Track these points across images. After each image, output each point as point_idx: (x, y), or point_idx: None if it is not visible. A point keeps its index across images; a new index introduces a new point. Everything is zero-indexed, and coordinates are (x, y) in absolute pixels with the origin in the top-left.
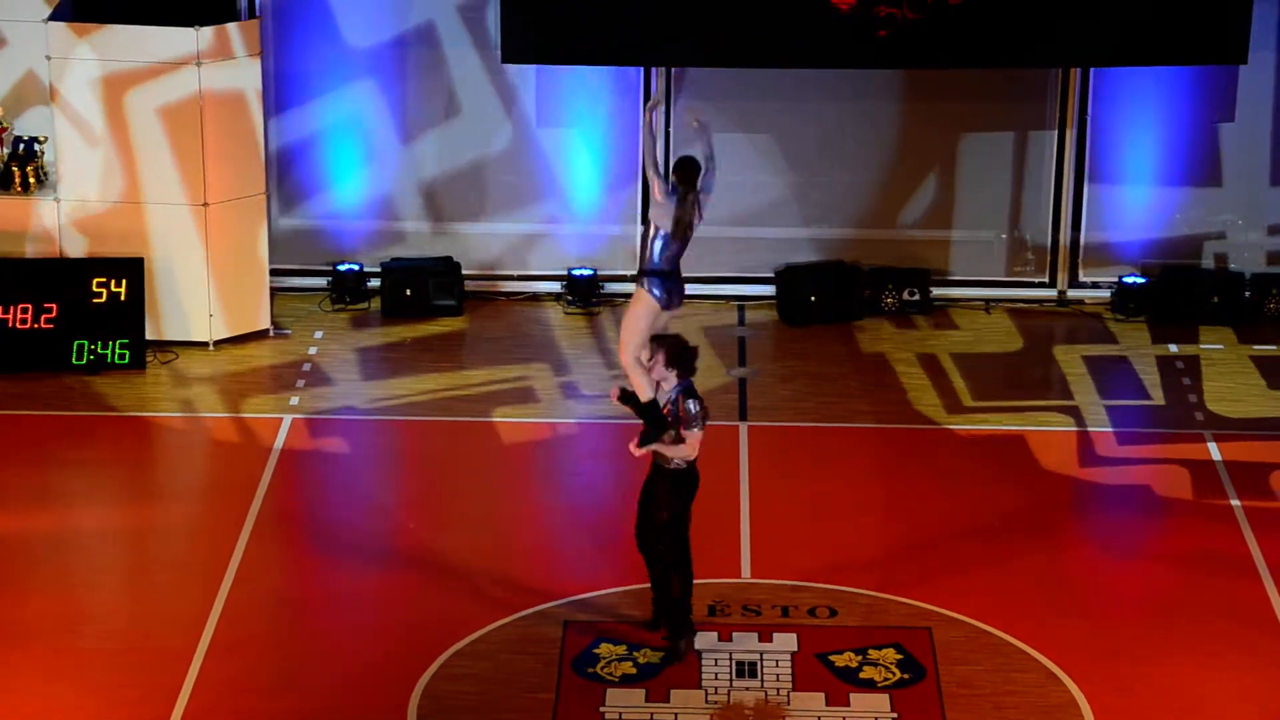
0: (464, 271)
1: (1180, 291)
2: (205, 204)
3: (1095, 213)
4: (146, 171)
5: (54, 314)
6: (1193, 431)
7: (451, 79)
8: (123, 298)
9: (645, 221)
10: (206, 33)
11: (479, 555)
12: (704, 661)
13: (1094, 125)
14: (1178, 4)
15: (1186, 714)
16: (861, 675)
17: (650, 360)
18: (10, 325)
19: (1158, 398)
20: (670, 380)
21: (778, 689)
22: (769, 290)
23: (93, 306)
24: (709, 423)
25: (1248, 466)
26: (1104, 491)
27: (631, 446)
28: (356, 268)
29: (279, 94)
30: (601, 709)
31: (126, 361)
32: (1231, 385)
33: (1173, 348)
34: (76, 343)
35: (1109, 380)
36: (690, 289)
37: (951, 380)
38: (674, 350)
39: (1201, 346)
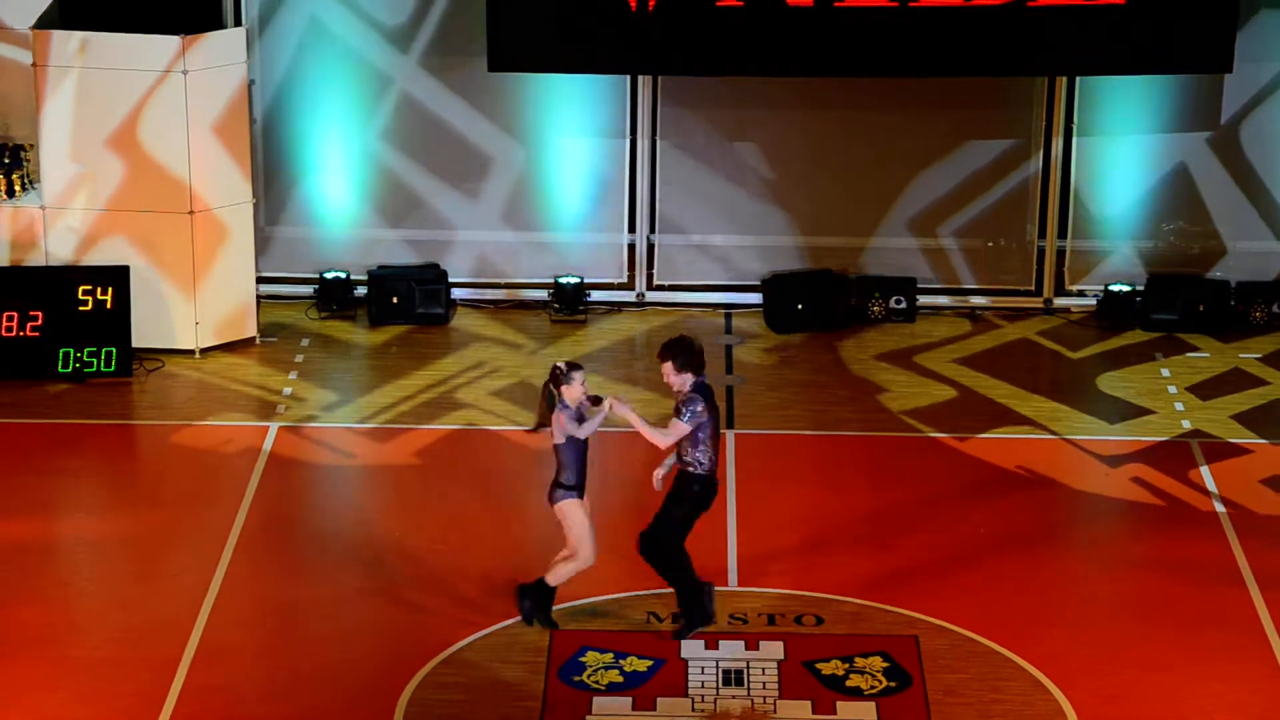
0: (451, 279)
1: (1166, 300)
2: (191, 212)
3: (1081, 221)
4: (133, 179)
5: (40, 322)
6: (1178, 439)
7: (438, 85)
8: (109, 305)
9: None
10: (193, 41)
11: (465, 563)
12: (690, 670)
13: (1080, 134)
14: (1163, 13)
15: None
16: (848, 683)
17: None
18: None
19: (1145, 405)
20: (686, 383)
21: (764, 697)
22: (756, 299)
23: (79, 315)
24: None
25: (1233, 473)
26: (1090, 499)
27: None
28: (343, 276)
29: (265, 102)
30: (588, 718)
31: (112, 369)
32: (1214, 393)
33: (1158, 355)
34: (63, 351)
35: (1095, 387)
36: (678, 297)
37: (937, 388)
38: (678, 354)
39: (1187, 355)
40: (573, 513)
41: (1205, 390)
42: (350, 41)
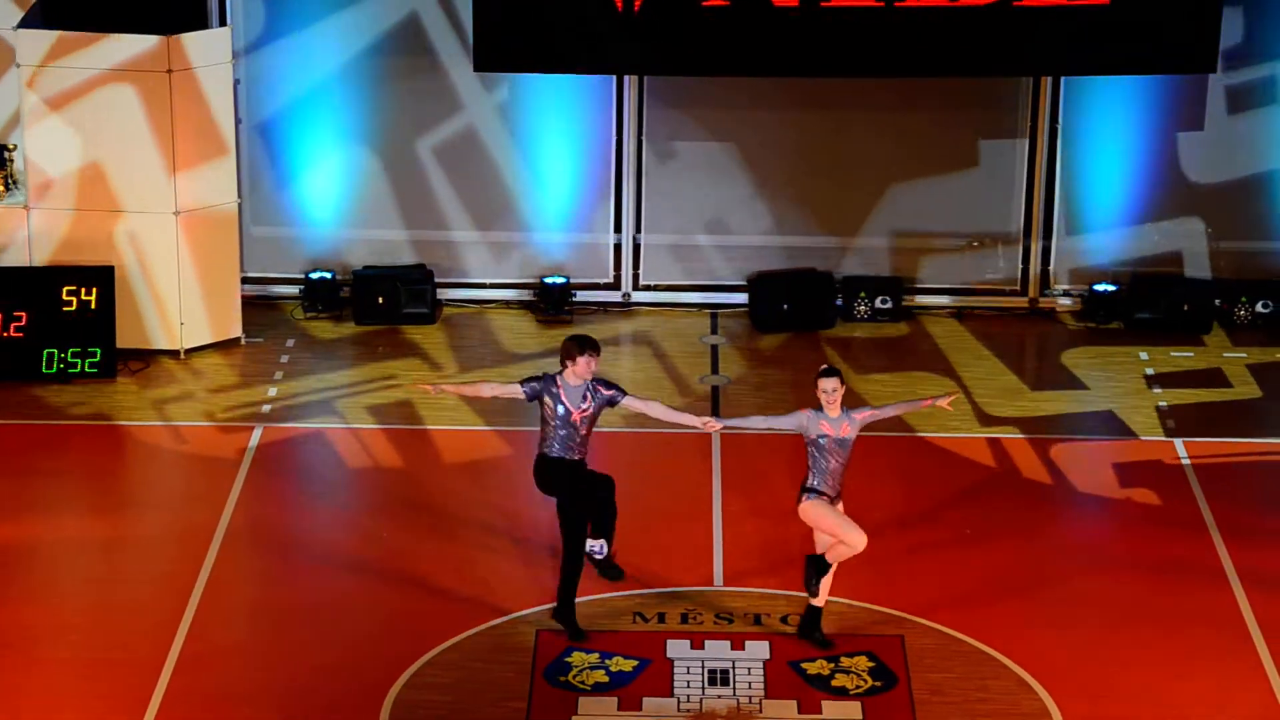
0: (436, 279)
1: (1150, 299)
2: (176, 212)
3: (1066, 221)
4: (117, 179)
5: (24, 323)
6: (1163, 439)
7: (425, 87)
8: (93, 306)
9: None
10: (178, 41)
11: (451, 564)
12: (676, 669)
13: (1064, 134)
14: (1147, 13)
15: None
16: (834, 683)
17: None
18: None
19: (1129, 405)
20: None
21: (750, 697)
22: (741, 298)
23: (63, 315)
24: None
25: (1218, 472)
26: (1076, 498)
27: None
28: (329, 276)
29: (251, 102)
30: (574, 718)
31: (97, 370)
32: (1197, 392)
33: (1142, 355)
34: (46, 351)
35: (1080, 386)
36: (663, 297)
37: (924, 388)
38: (582, 349)
39: (1171, 354)
40: (807, 514)
41: (1188, 389)
42: (336, 38)
